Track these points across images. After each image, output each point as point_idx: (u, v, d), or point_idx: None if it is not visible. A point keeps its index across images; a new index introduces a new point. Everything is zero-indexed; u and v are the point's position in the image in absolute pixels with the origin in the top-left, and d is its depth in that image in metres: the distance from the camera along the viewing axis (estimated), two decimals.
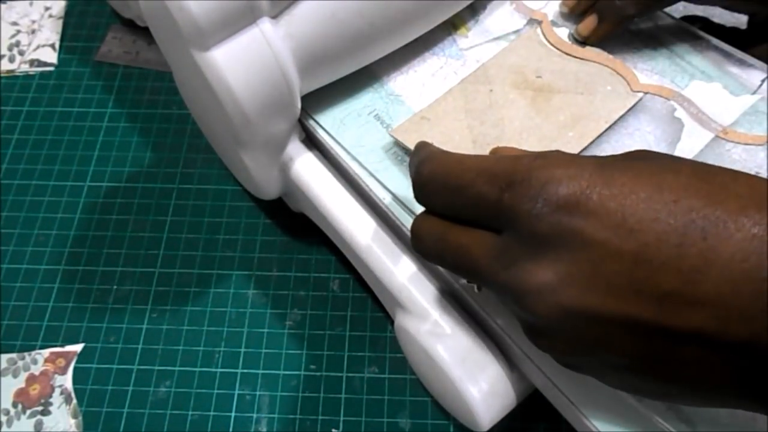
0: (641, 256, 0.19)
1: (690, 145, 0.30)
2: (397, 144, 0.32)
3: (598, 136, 0.31)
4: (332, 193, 0.33)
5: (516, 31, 0.35)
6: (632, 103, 0.31)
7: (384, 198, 0.31)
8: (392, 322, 0.35)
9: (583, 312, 0.19)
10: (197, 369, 0.37)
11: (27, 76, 0.48)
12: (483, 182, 0.21)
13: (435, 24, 0.34)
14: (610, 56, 0.33)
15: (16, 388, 0.36)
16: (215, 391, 0.36)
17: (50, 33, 0.50)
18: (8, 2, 0.51)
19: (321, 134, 0.33)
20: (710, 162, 0.22)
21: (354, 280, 0.39)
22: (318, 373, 0.37)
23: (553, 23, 0.35)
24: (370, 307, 0.38)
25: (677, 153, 0.30)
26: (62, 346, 0.37)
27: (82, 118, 0.46)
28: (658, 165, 0.20)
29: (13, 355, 0.37)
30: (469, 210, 0.22)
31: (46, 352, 0.37)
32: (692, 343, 0.18)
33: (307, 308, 0.39)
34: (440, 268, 0.29)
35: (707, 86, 0.32)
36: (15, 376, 0.37)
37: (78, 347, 0.37)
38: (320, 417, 0.35)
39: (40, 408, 0.36)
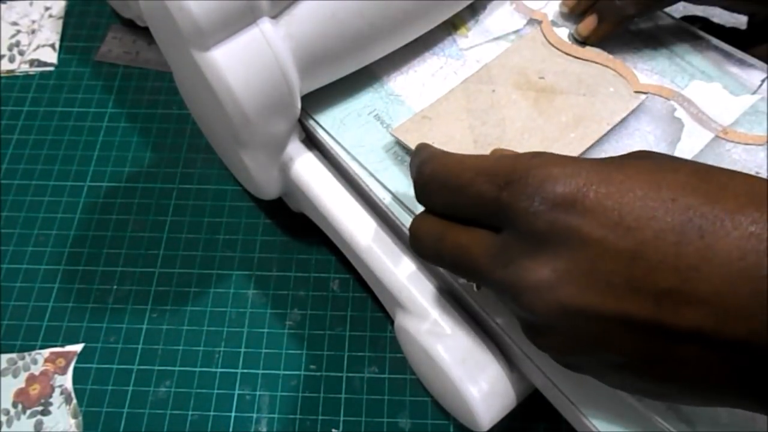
0: (639, 254, 0.19)
1: (690, 145, 0.30)
2: (398, 144, 0.32)
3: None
4: (332, 193, 0.33)
5: (516, 31, 0.35)
6: (635, 106, 0.31)
7: (384, 198, 0.31)
8: (392, 322, 0.35)
9: (581, 310, 0.19)
10: (197, 369, 0.37)
11: (27, 76, 0.48)
12: (482, 181, 0.22)
13: (435, 24, 0.34)
14: (610, 56, 0.33)
15: (16, 388, 0.36)
16: (215, 391, 0.36)
17: (50, 33, 0.50)
18: (8, 2, 0.51)
19: (321, 134, 0.33)
20: (710, 162, 0.22)
21: (354, 280, 0.39)
22: (318, 373, 0.37)
23: (553, 23, 0.35)
24: (370, 307, 0.38)
25: (677, 153, 0.30)
26: (62, 346, 0.37)
27: (82, 118, 0.46)
28: (656, 164, 0.20)
29: (13, 355, 0.37)
30: (469, 209, 0.22)
31: (46, 352, 0.37)
32: (690, 342, 0.18)
33: (307, 308, 0.39)
34: (440, 268, 0.29)
35: (707, 86, 0.32)
36: (15, 376, 0.37)
37: (78, 347, 0.37)
38: (320, 417, 0.35)
39: (40, 408, 0.36)
